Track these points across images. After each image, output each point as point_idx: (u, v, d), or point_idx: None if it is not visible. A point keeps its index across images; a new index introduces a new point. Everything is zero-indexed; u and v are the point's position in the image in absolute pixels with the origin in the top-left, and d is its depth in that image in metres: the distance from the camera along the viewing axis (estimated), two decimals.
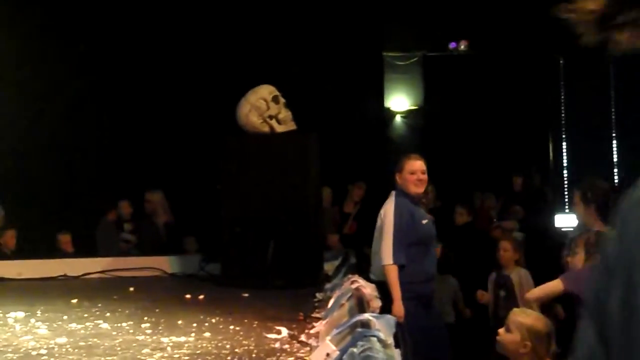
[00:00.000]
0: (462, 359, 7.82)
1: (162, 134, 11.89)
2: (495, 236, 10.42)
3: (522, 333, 4.51)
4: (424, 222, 6.83)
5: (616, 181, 13.16)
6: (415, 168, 6.80)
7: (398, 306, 6.38)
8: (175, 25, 12.06)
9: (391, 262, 6.51)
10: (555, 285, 5.75)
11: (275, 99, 8.05)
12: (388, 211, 6.76)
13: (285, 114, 8.08)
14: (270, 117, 8.01)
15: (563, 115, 13.61)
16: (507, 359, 4.71)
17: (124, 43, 11.88)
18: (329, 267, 7.98)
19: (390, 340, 3.80)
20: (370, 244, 7.17)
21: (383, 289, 6.42)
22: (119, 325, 5.42)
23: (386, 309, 6.26)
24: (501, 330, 4.70)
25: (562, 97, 13.65)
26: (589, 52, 1.76)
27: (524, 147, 12.90)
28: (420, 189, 6.82)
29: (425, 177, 6.84)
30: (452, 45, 13.31)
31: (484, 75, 13.23)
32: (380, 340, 3.49)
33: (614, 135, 13.59)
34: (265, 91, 8.09)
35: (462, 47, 13.26)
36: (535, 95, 13.31)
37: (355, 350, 3.26)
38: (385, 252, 6.56)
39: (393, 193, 6.88)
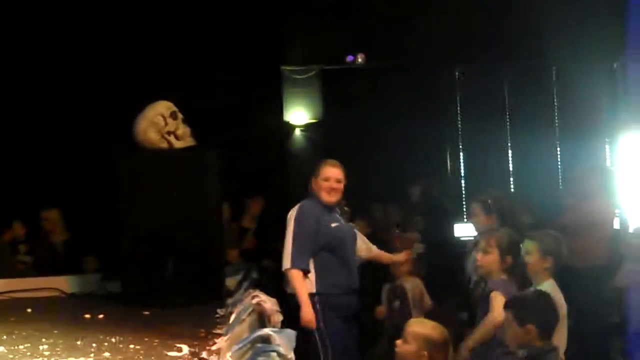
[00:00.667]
0: None
1: (56, 150, 11.71)
2: (396, 246, 10.56)
3: (418, 343, 4.59)
4: (334, 225, 6.63)
5: (512, 190, 13.46)
6: (329, 174, 6.64)
7: (306, 312, 6.31)
8: (70, 39, 11.90)
9: (289, 266, 6.41)
10: (493, 319, 5.78)
11: (173, 115, 7.99)
12: (291, 215, 6.62)
13: (183, 129, 8.03)
14: (169, 133, 7.95)
15: (459, 125, 13.84)
16: None
17: (13, 53, 11.66)
18: (230, 282, 7.95)
19: (291, 355, 3.82)
20: (271, 257, 7.15)
21: (293, 302, 6.40)
22: (15, 348, 5.30)
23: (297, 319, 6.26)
24: (399, 342, 4.76)
25: (459, 108, 13.88)
26: (484, 65, 1.86)
27: (421, 158, 13.07)
28: (332, 199, 6.63)
29: (340, 186, 6.66)
30: (349, 58, 13.43)
31: (383, 87, 13.38)
32: (280, 355, 3.50)
33: (509, 145, 13.88)
34: (163, 107, 8.02)
35: (360, 60, 13.38)
36: (432, 106, 13.52)
37: None
38: (285, 256, 6.47)
39: (303, 200, 6.75)
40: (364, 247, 7.24)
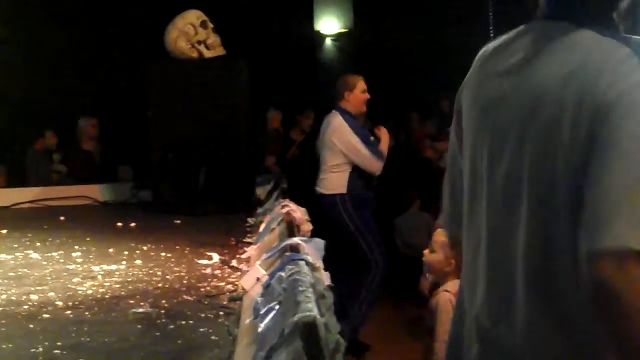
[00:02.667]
0: None
1: (88, 61, 11.71)
2: (428, 156, 10.60)
3: (445, 252, 4.60)
4: (371, 138, 7.54)
5: None
6: (365, 87, 7.46)
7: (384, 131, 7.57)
8: None
9: (380, 165, 7.44)
10: None
11: (203, 24, 7.97)
12: (340, 127, 7.41)
13: (214, 39, 8.00)
14: (199, 42, 7.93)
15: (492, 36, 13.68)
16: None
17: None
18: (260, 191, 8.00)
19: (319, 264, 3.85)
20: (309, 172, 7.55)
21: (332, 201, 7.40)
22: (49, 254, 5.40)
23: (336, 223, 7.36)
24: (426, 252, 4.79)
25: (491, 17, 13.69)
26: None
27: (452, 69, 12.96)
28: (365, 108, 7.56)
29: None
30: None
31: None
32: (308, 263, 3.52)
33: None
34: (193, 16, 7.99)
35: None
36: (464, 16, 13.34)
37: (283, 274, 3.30)
38: (369, 161, 7.39)
39: (335, 112, 7.23)
40: None
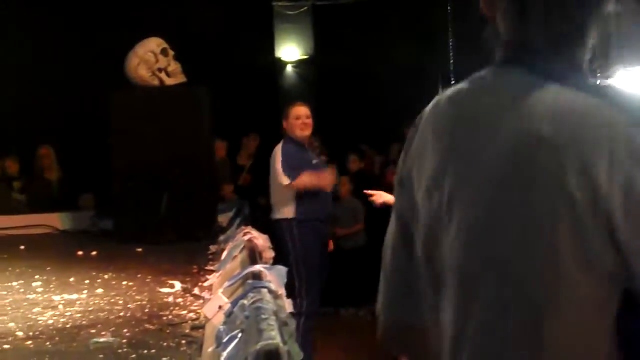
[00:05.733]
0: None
1: (49, 89, 11.64)
2: (391, 181, 10.66)
3: None
4: (314, 162, 7.39)
5: None
6: (300, 113, 7.35)
7: (324, 177, 7.30)
8: None
9: (289, 181, 7.11)
10: None
11: (164, 52, 7.99)
12: (276, 154, 7.29)
13: (174, 66, 8.03)
14: (160, 70, 7.95)
15: (452, 60, 13.79)
16: None
17: None
18: (223, 219, 8.00)
19: (282, 291, 3.86)
20: (265, 194, 7.44)
21: (281, 226, 7.15)
22: (9, 284, 5.35)
23: (283, 249, 6.95)
24: None
25: (451, 42, 13.80)
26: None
27: (414, 93, 13.03)
28: (306, 133, 7.36)
29: (310, 121, 7.39)
30: None
31: (374, 22, 13.30)
32: (271, 291, 3.53)
33: None
34: (154, 44, 8.01)
35: None
36: (425, 41, 13.43)
37: (245, 302, 3.30)
38: (280, 177, 7.13)
39: (283, 141, 7.28)
40: None
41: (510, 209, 1.54)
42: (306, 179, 7.12)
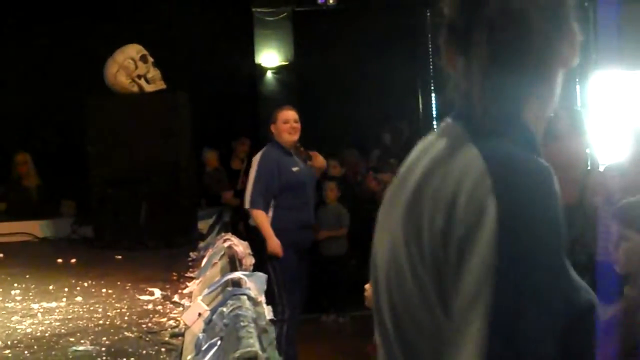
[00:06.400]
0: None
1: (27, 95, 11.59)
2: (371, 187, 10.68)
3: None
4: (295, 169, 7.25)
5: None
6: (288, 117, 7.32)
7: (272, 243, 6.96)
8: None
9: (248, 206, 7.10)
10: None
11: (143, 58, 7.97)
12: (254, 160, 7.30)
13: (154, 73, 8.01)
14: (139, 76, 7.93)
15: (431, 67, 13.81)
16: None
17: None
18: (203, 225, 7.99)
19: (261, 298, 3.85)
20: None
21: (257, 233, 7.03)
22: None
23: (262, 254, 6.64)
24: (367, 286, 4.79)
25: (430, 49, 13.83)
26: None
27: (393, 100, 13.06)
28: (294, 136, 7.31)
29: (298, 125, 7.36)
30: (321, 0, 13.34)
31: (354, 29, 13.31)
32: (250, 298, 3.53)
33: None
34: (133, 50, 7.99)
35: (331, 1, 13.28)
36: (404, 47, 13.46)
37: (225, 309, 3.29)
38: (246, 197, 7.15)
39: (267, 145, 7.27)
40: None
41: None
42: (260, 220, 6.99)
